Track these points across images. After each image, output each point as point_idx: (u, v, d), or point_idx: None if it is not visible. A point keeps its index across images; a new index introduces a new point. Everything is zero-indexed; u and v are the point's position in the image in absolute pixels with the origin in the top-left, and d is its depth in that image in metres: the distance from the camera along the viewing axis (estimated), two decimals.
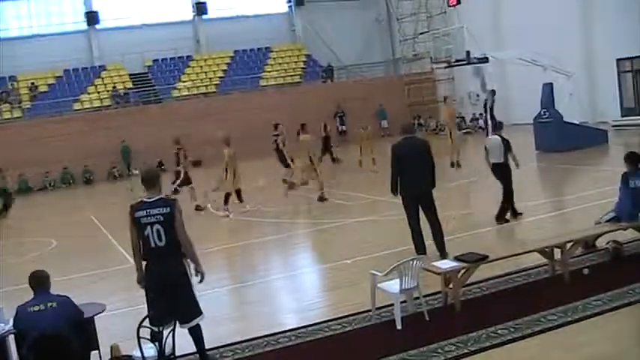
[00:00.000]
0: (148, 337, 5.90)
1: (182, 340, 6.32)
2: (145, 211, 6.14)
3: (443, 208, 10.25)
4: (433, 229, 9.54)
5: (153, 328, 5.88)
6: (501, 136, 11.69)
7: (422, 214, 9.59)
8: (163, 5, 35.62)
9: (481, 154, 12.21)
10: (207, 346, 6.93)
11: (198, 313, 6.46)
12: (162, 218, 6.11)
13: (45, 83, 32.50)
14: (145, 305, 6.41)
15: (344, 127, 32.28)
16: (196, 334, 6.46)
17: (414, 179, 9.35)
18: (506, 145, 11.54)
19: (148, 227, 6.11)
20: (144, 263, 6.34)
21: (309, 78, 36.19)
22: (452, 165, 19.02)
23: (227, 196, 15.42)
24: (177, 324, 6.13)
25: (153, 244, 6.14)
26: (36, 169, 28.45)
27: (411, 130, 10.01)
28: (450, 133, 19.66)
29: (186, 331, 6.44)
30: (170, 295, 6.19)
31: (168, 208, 6.17)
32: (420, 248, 9.42)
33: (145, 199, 6.25)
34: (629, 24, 23.64)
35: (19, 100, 31.42)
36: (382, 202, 15.02)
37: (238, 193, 15.58)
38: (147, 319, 5.93)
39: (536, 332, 6.49)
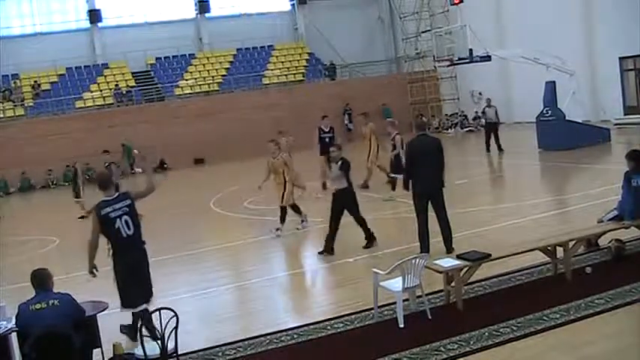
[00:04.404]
0: (151, 335, 5.91)
1: (183, 339, 6.33)
2: (110, 207, 6.90)
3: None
4: (442, 225, 9.65)
5: (133, 311, 6.61)
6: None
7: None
8: (166, 3, 35.62)
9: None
10: (209, 345, 6.95)
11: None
12: (127, 209, 6.95)
13: (47, 81, 32.47)
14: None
15: (352, 125, 32.27)
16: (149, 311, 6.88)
17: (427, 177, 9.45)
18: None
19: (117, 220, 6.88)
20: (116, 254, 7.00)
21: (311, 76, 36.14)
22: None
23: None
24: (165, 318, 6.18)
25: (124, 234, 6.91)
26: (38, 167, 28.44)
27: (425, 127, 10.06)
28: None
29: (187, 330, 6.44)
30: (142, 277, 7.05)
31: (129, 200, 7.02)
32: (424, 246, 9.47)
33: (104, 199, 6.98)
34: (632, 22, 23.56)
35: (21, 98, 31.43)
36: (384, 200, 15.00)
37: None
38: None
39: (539, 331, 6.48)
